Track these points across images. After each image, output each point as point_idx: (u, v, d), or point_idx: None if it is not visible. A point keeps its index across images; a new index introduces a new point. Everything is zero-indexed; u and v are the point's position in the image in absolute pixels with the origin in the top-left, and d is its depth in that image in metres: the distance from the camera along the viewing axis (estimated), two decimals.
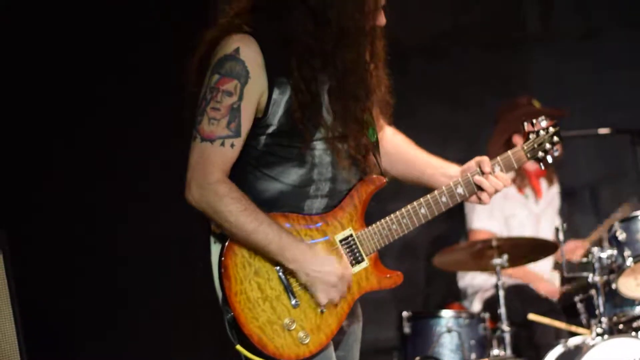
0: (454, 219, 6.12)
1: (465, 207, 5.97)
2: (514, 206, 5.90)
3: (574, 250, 5.71)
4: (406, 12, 5.78)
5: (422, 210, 3.01)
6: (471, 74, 6.54)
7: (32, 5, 4.89)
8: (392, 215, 2.98)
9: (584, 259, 5.10)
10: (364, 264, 2.94)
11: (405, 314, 5.17)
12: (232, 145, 2.82)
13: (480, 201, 3.10)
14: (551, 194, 6.06)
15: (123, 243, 5.01)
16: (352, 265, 2.93)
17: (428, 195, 3.04)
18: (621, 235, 5.04)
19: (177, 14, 5.07)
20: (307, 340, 2.85)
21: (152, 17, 5.09)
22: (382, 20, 2.95)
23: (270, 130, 2.86)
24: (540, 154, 3.18)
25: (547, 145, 3.18)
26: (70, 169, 4.99)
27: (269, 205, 2.88)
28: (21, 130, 4.88)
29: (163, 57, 4.48)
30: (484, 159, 3.10)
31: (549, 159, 3.19)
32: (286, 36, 2.82)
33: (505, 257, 5.07)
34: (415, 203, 3.00)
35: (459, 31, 6.56)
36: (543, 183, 6.04)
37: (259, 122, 2.86)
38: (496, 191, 3.09)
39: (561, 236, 5.00)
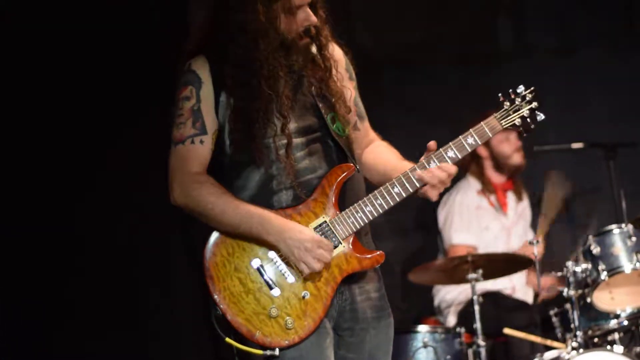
0: (430, 234, 6.13)
1: (439, 223, 5.97)
2: (489, 218, 5.90)
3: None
4: (377, 23, 5.78)
5: (396, 189, 3.06)
6: (444, 88, 6.53)
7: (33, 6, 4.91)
8: (365, 198, 3.08)
9: (559, 273, 5.13)
10: (341, 248, 3.06)
11: None
12: (201, 142, 3.07)
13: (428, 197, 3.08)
14: (521, 208, 6.06)
15: (97, 243, 5.02)
16: None
17: (400, 175, 3.08)
18: (595, 249, 5.08)
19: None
20: (294, 326, 3.00)
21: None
22: (309, 19, 3.07)
23: (226, 132, 3.08)
24: (518, 120, 3.12)
25: (525, 112, 3.11)
26: (55, 168, 4.96)
27: None
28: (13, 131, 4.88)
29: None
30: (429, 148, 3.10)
31: (531, 125, 3.12)
32: (225, 50, 3.06)
33: (480, 272, 5.09)
34: (387, 183, 3.08)
35: (430, 44, 6.55)
36: (511, 197, 6.04)
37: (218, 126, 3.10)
38: (440, 182, 3.05)
39: (535, 251, 5.03)
